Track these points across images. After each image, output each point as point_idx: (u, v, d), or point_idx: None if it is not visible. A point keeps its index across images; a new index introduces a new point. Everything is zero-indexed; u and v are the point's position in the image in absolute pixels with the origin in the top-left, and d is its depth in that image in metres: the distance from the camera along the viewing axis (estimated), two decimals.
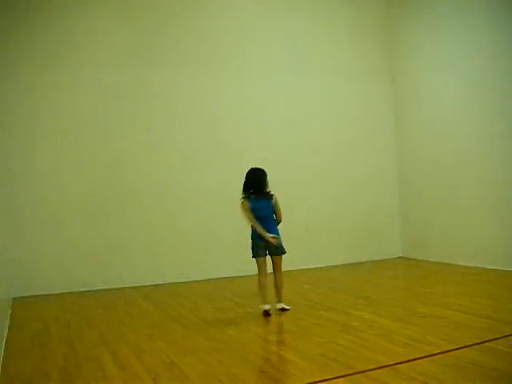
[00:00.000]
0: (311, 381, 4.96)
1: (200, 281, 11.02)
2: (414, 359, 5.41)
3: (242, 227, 8.33)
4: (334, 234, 12.63)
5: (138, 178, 11.14)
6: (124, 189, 11.04)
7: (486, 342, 5.88)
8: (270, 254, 7.91)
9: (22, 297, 9.95)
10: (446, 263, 11.73)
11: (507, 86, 10.41)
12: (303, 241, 12.13)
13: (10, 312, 8.79)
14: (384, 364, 5.31)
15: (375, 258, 12.86)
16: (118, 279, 10.76)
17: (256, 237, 7.82)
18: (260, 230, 7.72)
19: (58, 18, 10.75)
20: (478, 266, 10.93)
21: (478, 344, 5.82)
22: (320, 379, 4.99)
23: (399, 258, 13.21)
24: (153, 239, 11.17)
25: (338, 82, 12.90)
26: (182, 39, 11.56)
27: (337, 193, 12.73)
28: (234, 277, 10.87)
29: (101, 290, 10.51)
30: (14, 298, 9.83)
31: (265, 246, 7.81)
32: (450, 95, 11.75)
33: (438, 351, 5.63)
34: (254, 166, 8.07)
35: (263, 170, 8.00)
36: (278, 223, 8.02)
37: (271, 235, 7.74)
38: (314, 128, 12.60)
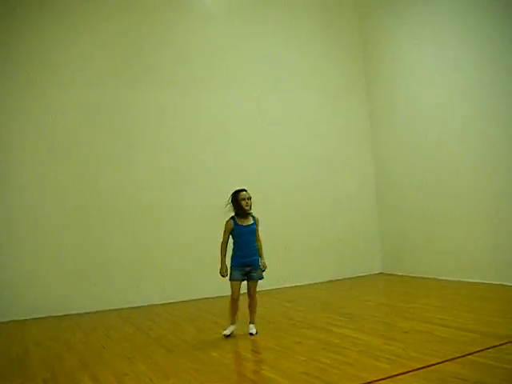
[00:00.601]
0: None
1: (181, 302, 10.97)
2: (398, 374, 5.40)
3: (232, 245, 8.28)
4: (314, 252, 12.65)
5: (119, 198, 11.11)
6: (104, 209, 11.01)
7: (468, 355, 5.89)
8: (246, 279, 7.88)
9: (1, 322, 9.83)
10: (426, 278, 11.79)
11: (483, 97, 10.52)
12: (283, 259, 12.13)
13: None
14: (367, 380, 5.30)
15: (356, 275, 12.90)
16: (97, 302, 10.67)
17: (235, 265, 7.75)
18: (221, 261, 7.74)
19: (38, 37, 10.76)
20: (459, 279, 11.00)
21: (460, 357, 5.83)
22: None
23: (380, 273, 13.25)
24: (133, 260, 11.11)
25: (314, 98, 13.07)
26: (161, 59, 11.70)
27: (316, 210, 12.79)
28: (214, 297, 10.83)
29: (80, 313, 10.41)
30: None
31: (243, 272, 7.76)
32: (426, 108, 11.89)
33: (421, 366, 5.62)
34: (238, 188, 7.93)
35: (247, 192, 7.89)
36: (261, 248, 7.97)
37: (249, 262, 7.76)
38: (292, 145, 12.70)
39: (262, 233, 8.01)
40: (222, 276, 7.70)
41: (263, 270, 7.85)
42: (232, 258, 7.81)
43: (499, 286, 10.14)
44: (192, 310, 10.10)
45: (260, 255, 7.90)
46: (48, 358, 7.20)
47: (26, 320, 10.01)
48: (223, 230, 7.79)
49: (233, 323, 7.79)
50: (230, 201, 7.82)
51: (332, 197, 13.00)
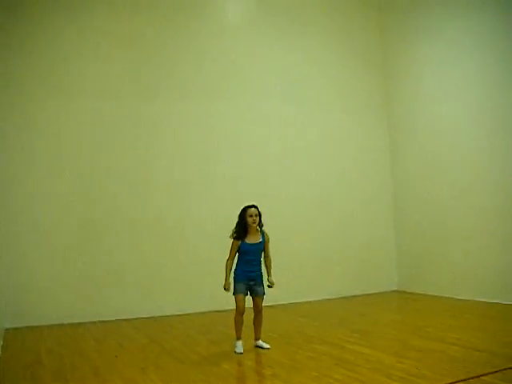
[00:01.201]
0: None
1: (194, 313, 10.97)
2: None
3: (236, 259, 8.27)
4: (328, 267, 12.60)
5: (134, 208, 11.12)
6: (119, 220, 11.03)
7: (481, 375, 5.84)
8: (250, 295, 7.84)
9: (15, 328, 9.86)
10: (441, 296, 11.71)
11: (507, 113, 10.47)
12: (298, 273, 12.11)
13: (1, 343, 8.70)
14: None
15: (370, 292, 12.83)
16: (111, 311, 10.67)
17: (239, 278, 7.71)
18: (226, 275, 7.71)
19: (51, 47, 10.85)
20: (475, 299, 10.93)
21: (473, 378, 5.78)
22: None
23: (394, 291, 13.17)
24: (147, 271, 11.12)
25: (333, 113, 13.03)
26: (175, 70, 11.69)
27: (332, 225, 12.75)
28: (227, 310, 10.80)
29: (94, 321, 10.42)
30: (7, 329, 9.74)
31: (247, 286, 7.73)
32: (445, 126, 11.85)
33: None
34: (248, 204, 7.83)
35: (257, 208, 7.82)
36: (269, 265, 7.92)
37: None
38: (308, 160, 12.68)
39: (275, 246, 7.99)
40: (225, 290, 7.69)
41: (270, 286, 7.78)
42: (236, 272, 7.78)
43: None
44: (205, 322, 10.10)
45: (268, 272, 7.87)
46: (60, 366, 7.21)
47: (39, 326, 10.01)
48: (230, 246, 7.80)
49: (239, 338, 7.69)
50: (239, 216, 7.80)
51: (349, 212, 12.96)
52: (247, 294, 7.77)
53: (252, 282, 7.72)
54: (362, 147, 13.35)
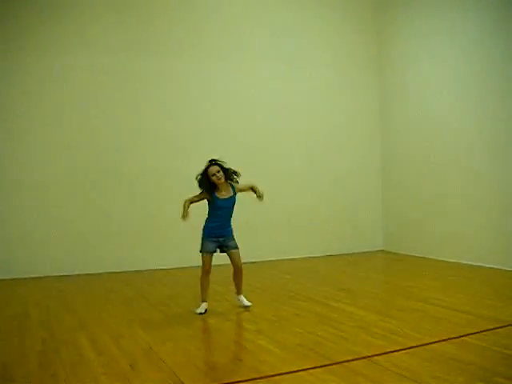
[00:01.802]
0: (288, 370, 4.98)
1: (181, 268, 11.04)
2: (392, 351, 5.44)
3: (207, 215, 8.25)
4: (315, 225, 12.67)
5: (123, 163, 11.11)
6: (109, 174, 11.02)
7: (462, 336, 5.93)
8: (222, 251, 7.54)
9: (2, 279, 9.91)
10: (426, 258, 11.81)
11: (496, 79, 10.45)
12: (285, 231, 12.18)
13: None
14: (362, 355, 5.34)
15: (356, 251, 12.93)
16: (98, 264, 10.75)
17: (207, 235, 7.43)
18: (184, 206, 7.41)
19: (50, 6, 10.72)
20: (459, 261, 11.02)
21: (455, 338, 5.86)
22: (297, 369, 5.00)
23: (380, 251, 13.28)
24: (134, 225, 11.17)
25: (325, 73, 12.94)
26: (172, 29, 11.55)
27: (320, 184, 12.77)
28: (214, 265, 10.87)
29: (81, 274, 10.49)
30: None
31: (216, 244, 7.42)
32: (436, 88, 11.78)
33: (415, 344, 5.67)
34: (211, 159, 7.62)
35: (218, 163, 7.52)
36: (255, 187, 7.63)
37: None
38: (299, 118, 12.63)
39: (266, 201, 7.75)
40: (182, 218, 7.36)
41: (260, 196, 7.57)
42: (203, 230, 7.48)
43: (499, 270, 10.14)
44: (192, 277, 10.09)
45: (255, 191, 7.61)
46: (47, 318, 7.28)
47: (26, 279, 10.08)
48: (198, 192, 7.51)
49: (204, 300, 7.43)
50: (198, 179, 7.54)
51: (337, 172, 12.97)
52: (215, 252, 7.46)
53: (221, 239, 7.42)
54: (353, 108, 13.29)
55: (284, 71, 12.52)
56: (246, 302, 7.58)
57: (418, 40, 12.29)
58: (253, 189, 7.65)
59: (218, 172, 7.36)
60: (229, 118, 11.96)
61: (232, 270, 7.59)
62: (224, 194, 7.45)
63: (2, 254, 10.19)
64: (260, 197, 7.59)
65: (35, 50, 10.56)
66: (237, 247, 7.50)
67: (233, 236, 7.53)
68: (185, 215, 7.36)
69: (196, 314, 7.25)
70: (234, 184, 7.57)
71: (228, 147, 11.27)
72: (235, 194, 7.51)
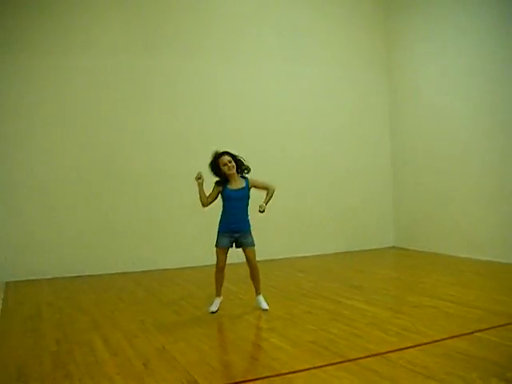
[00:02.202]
0: (302, 368, 4.99)
1: (192, 267, 11.06)
2: (405, 348, 5.45)
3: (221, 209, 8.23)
4: (327, 223, 12.68)
5: (132, 163, 11.13)
6: (117, 174, 11.04)
7: (475, 332, 5.93)
8: (238, 247, 7.36)
9: (15, 281, 9.96)
10: (438, 253, 11.81)
11: (503, 77, 10.43)
12: (296, 229, 12.19)
13: (2, 296, 8.80)
14: (375, 352, 5.35)
15: (368, 248, 12.93)
16: (110, 265, 10.78)
17: (222, 229, 7.28)
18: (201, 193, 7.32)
19: (54, 3, 10.73)
20: (471, 257, 11.01)
21: (467, 334, 5.87)
22: (310, 366, 5.02)
23: (392, 247, 13.27)
24: (146, 225, 11.20)
25: (333, 71, 12.94)
26: (177, 26, 11.54)
27: (331, 182, 12.77)
28: (227, 264, 10.89)
29: (93, 275, 10.52)
30: (7, 282, 9.85)
31: (231, 239, 7.24)
32: (445, 86, 11.78)
33: (428, 341, 5.68)
34: (219, 152, 7.42)
35: (230, 154, 7.39)
36: (270, 194, 7.32)
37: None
38: (309, 117, 12.63)
39: (273, 201, 7.45)
40: (198, 179, 7.32)
41: (260, 211, 7.15)
42: (219, 224, 7.34)
43: (509, 265, 10.13)
44: (204, 276, 10.15)
45: (265, 199, 7.28)
46: (60, 319, 7.31)
47: (39, 280, 10.12)
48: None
49: (218, 295, 7.40)
50: (210, 166, 7.35)
51: (347, 169, 12.97)
52: (231, 247, 7.30)
53: (237, 234, 7.23)
54: (363, 106, 13.29)
55: (291, 71, 12.51)
56: (264, 305, 7.41)
57: (427, 40, 12.27)
58: (267, 192, 7.37)
59: (230, 162, 7.23)
60: (235, 118, 11.95)
61: (248, 269, 7.45)
62: (234, 185, 7.29)
63: (14, 255, 10.23)
64: (261, 209, 7.18)
65: (37, 50, 10.55)
66: (253, 244, 7.28)
67: (250, 232, 7.32)
68: (199, 176, 7.33)
69: (209, 312, 7.24)
70: (247, 177, 7.40)
71: (236, 147, 11.22)
72: (248, 188, 7.31)
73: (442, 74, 11.85)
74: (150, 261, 11.08)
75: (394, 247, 13.28)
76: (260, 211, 7.15)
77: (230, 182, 7.28)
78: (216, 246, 7.27)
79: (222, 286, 7.41)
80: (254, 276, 7.43)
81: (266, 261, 10.69)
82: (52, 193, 10.59)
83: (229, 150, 7.41)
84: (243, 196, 7.28)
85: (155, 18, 11.39)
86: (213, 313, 7.24)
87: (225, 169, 7.20)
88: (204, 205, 7.35)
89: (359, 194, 13.11)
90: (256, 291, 7.52)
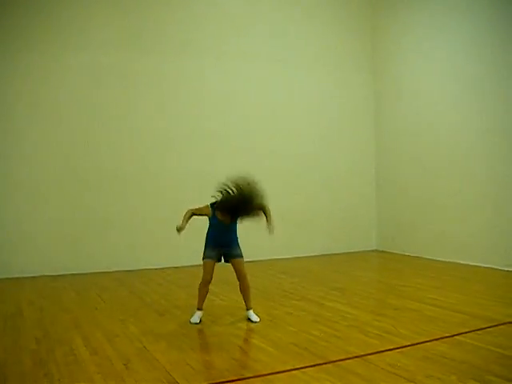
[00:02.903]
0: (282, 369, 4.99)
1: (174, 267, 11.07)
2: (385, 350, 5.46)
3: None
4: (310, 225, 12.69)
5: (116, 162, 11.09)
6: (103, 173, 11.00)
7: (456, 335, 5.96)
8: (226, 261, 7.00)
9: None
10: (421, 257, 11.85)
11: (489, 80, 10.49)
12: (279, 230, 12.11)
13: None
14: (355, 354, 5.36)
15: (350, 250, 12.96)
16: (91, 263, 10.72)
17: (210, 242, 6.91)
18: (182, 224, 6.69)
19: (45, 6, 10.70)
20: (454, 261, 11.06)
21: (448, 337, 5.90)
22: (291, 368, 5.02)
23: (374, 250, 13.31)
24: (129, 225, 11.16)
25: (319, 73, 12.96)
26: (167, 27, 11.52)
27: (314, 184, 12.79)
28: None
29: (74, 274, 10.47)
30: None
31: (219, 251, 6.87)
32: (430, 90, 11.84)
33: (409, 343, 5.69)
34: (247, 178, 6.75)
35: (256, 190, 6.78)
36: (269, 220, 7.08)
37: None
38: (293, 118, 12.65)
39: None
40: (177, 231, 6.63)
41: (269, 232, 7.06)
42: (207, 235, 6.96)
43: (492, 269, 10.19)
44: (185, 276, 10.17)
45: (267, 220, 7.01)
46: (41, 318, 7.26)
47: (20, 278, 10.06)
48: (199, 206, 6.89)
49: (200, 308, 6.95)
50: (222, 192, 6.64)
51: (331, 172, 12.99)
52: (219, 261, 6.94)
53: (225, 248, 6.88)
54: (347, 109, 13.32)
55: (277, 73, 12.52)
56: (255, 318, 6.92)
57: (412, 39, 12.34)
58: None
59: (224, 216, 6.75)
60: (224, 119, 11.94)
61: (237, 281, 7.05)
62: (225, 219, 6.79)
63: None
64: (271, 232, 7.15)
65: (31, 50, 10.49)
66: (241, 256, 6.93)
67: (238, 244, 7.00)
68: (182, 227, 6.64)
69: (190, 323, 6.91)
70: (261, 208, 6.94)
71: (223, 147, 11.38)
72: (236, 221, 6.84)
73: (429, 77, 11.90)
74: (133, 260, 11.04)
75: (376, 250, 13.31)
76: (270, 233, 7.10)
77: (221, 212, 6.76)
78: (203, 258, 6.88)
79: (204, 299, 6.99)
80: (244, 288, 6.97)
81: (249, 262, 10.59)
82: (34, 190, 10.52)
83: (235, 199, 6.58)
84: (232, 229, 6.94)
85: (146, 17, 11.36)
86: (196, 324, 6.86)
87: (219, 215, 6.78)
88: (187, 217, 6.82)
89: (343, 196, 13.13)
90: (246, 306, 7.04)
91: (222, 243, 6.87)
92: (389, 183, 13.17)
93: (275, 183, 11.92)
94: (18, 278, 10.05)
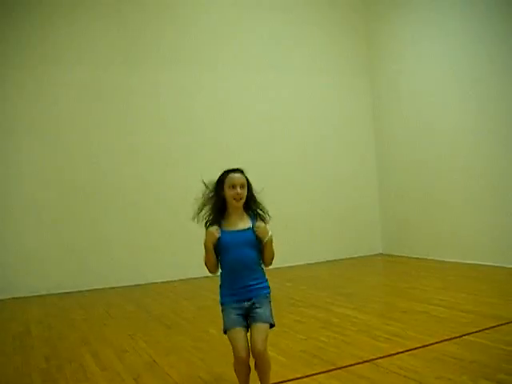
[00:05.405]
0: (293, 377, 4.99)
1: (180, 280, 11.07)
2: (395, 354, 5.46)
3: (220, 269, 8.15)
4: (314, 231, 12.68)
5: (119, 177, 11.12)
6: (105, 189, 11.02)
7: (465, 335, 5.95)
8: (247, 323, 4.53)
9: (3, 299, 9.90)
10: (426, 259, 11.83)
11: (487, 79, 10.49)
12: (283, 238, 12.12)
13: None
14: (365, 359, 5.35)
15: (356, 255, 12.94)
16: (98, 280, 10.73)
17: (227, 301, 4.62)
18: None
19: (40, 18, 10.76)
20: (459, 261, 11.03)
21: (457, 337, 5.89)
22: (302, 375, 5.02)
23: (379, 254, 13.28)
24: (133, 239, 11.15)
25: (316, 78, 12.97)
26: (162, 39, 11.58)
27: (317, 189, 12.79)
28: (214, 276, 10.85)
29: (81, 291, 10.48)
30: None
31: (241, 311, 4.53)
32: (428, 90, 11.83)
33: (419, 345, 5.68)
34: (230, 168, 4.84)
35: (242, 175, 4.83)
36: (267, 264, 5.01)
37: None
38: (293, 125, 12.67)
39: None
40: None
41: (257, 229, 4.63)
42: (221, 293, 4.72)
43: (498, 267, 10.16)
44: (191, 288, 10.17)
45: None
46: (49, 335, 7.27)
47: (27, 297, 10.07)
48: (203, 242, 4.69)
49: None
50: (209, 191, 4.80)
51: (333, 177, 12.99)
52: (247, 326, 4.53)
53: (248, 302, 4.57)
54: (346, 113, 13.33)
55: (275, 78, 12.55)
56: None
57: (408, 41, 12.35)
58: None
59: (242, 187, 4.71)
60: (223, 128, 11.98)
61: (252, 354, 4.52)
62: (235, 223, 4.63)
63: (1, 273, 10.17)
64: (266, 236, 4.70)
65: (25, 66, 10.56)
66: (266, 320, 4.56)
67: (267, 298, 4.82)
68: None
69: None
70: (261, 214, 4.93)
71: (223, 157, 11.31)
72: (253, 228, 4.65)
73: (427, 76, 11.89)
74: (139, 274, 11.04)
75: (381, 254, 13.29)
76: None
77: (227, 219, 4.67)
78: (224, 330, 4.54)
79: (248, 379, 4.55)
80: (261, 367, 4.48)
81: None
82: (38, 211, 10.54)
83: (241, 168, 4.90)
84: (250, 240, 4.64)
85: (140, 30, 11.42)
86: None
87: (232, 194, 4.60)
88: (213, 271, 4.78)
89: (346, 201, 13.12)
90: None
91: (243, 295, 4.62)
92: (391, 186, 13.16)
93: (277, 191, 11.94)
94: (25, 298, 10.06)
